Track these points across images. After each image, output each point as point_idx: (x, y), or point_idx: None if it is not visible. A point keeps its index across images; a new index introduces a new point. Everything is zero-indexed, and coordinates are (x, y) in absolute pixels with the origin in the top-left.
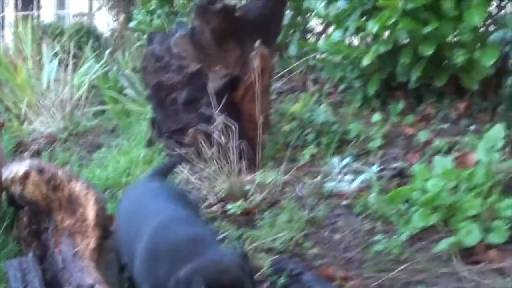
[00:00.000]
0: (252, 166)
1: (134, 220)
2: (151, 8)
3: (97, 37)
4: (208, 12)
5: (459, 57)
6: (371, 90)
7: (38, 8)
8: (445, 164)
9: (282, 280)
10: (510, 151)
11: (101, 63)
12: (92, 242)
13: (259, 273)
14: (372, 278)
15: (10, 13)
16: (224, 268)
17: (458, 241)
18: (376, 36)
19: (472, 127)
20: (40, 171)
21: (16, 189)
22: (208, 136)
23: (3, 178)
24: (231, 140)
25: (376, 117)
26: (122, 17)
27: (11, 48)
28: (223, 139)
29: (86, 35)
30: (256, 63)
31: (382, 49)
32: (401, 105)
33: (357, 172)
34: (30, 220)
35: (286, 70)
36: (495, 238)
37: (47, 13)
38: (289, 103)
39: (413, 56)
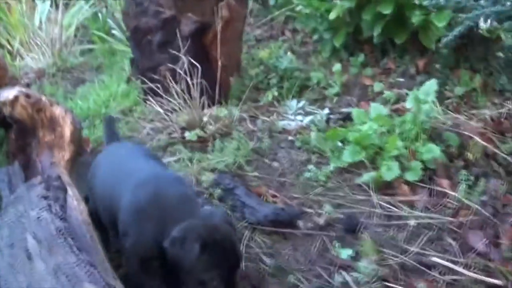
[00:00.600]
0: (213, 102)
1: (115, 176)
2: None
3: None
4: None
5: (416, 17)
6: (338, 42)
7: None
8: (380, 110)
9: (218, 191)
10: (440, 104)
11: (90, 4)
12: (67, 155)
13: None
14: (296, 198)
15: None
16: (215, 226)
17: (379, 175)
18: None
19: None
20: (27, 96)
21: (7, 110)
22: (176, 75)
23: None
24: (195, 78)
25: (337, 66)
26: None
27: None
28: (188, 78)
29: None
30: (223, 12)
31: (347, 4)
32: (361, 57)
33: (309, 114)
34: (17, 137)
35: (267, 19)
36: (410, 176)
37: None
38: (265, 49)
39: (375, 13)
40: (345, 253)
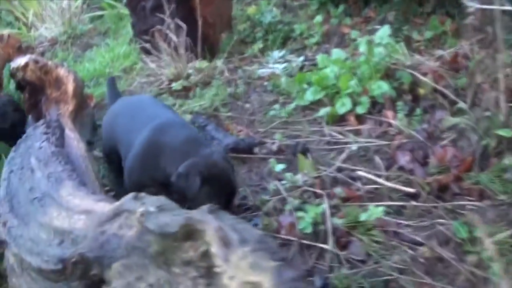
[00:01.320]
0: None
1: (134, 119)
2: None
3: None
4: None
5: None
6: None
7: None
8: (340, 55)
9: None
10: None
11: None
12: (70, 107)
13: None
14: (259, 132)
15: None
16: (214, 163)
17: (334, 110)
18: None
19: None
20: (36, 61)
21: (20, 74)
22: (166, 35)
23: (12, 67)
24: (181, 37)
25: (318, 18)
26: None
27: None
28: (174, 36)
29: None
30: None
31: None
32: (341, 8)
33: (287, 62)
34: (30, 95)
35: None
36: (360, 109)
37: None
38: (252, 6)
39: None
40: (279, 167)
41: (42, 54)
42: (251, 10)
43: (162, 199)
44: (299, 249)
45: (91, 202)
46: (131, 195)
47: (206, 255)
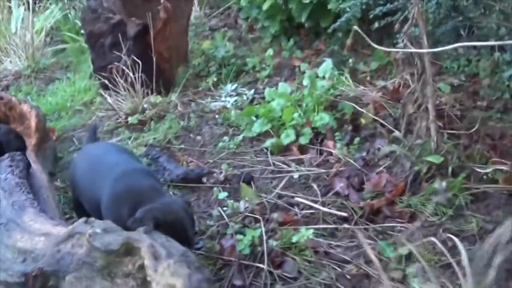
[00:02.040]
0: (152, 92)
1: (95, 172)
2: None
3: None
4: None
5: (332, 4)
6: (275, 29)
7: None
8: (285, 88)
9: (146, 160)
10: (352, 78)
11: (58, 7)
12: (33, 141)
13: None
14: (209, 162)
15: None
16: (171, 210)
17: (279, 141)
18: None
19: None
20: (1, 98)
21: None
22: (123, 71)
23: None
24: (137, 73)
25: (269, 51)
26: None
27: None
28: (130, 73)
29: None
30: (161, 14)
31: None
32: (291, 42)
33: (239, 95)
34: None
35: (222, 9)
36: (303, 140)
37: None
38: (206, 41)
39: (300, 1)
40: (222, 195)
41: (7, 87)
42: (205, 44)
43: (108, 223)
44: (238, 269)
45: (49, 226)
46: (82, 219)
47: (141, 267)
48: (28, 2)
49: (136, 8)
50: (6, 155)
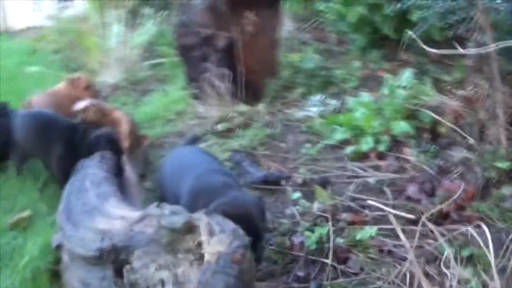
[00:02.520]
0: (242, 101)
1: (179, 171)
2: None
3: None
4: None
5: (414, 16)
6: (361, 42)
7: None
8: (367, 98)
9: (230, 164)
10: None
11: (154, 23)
12: (125, 145)
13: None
14: (290, 167)
15: None
16: (240, 204)
17: (358, 148)
18: None
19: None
20: (94, 105)
21: (81, 116)
22: (213, 81)
23: (74, 109)
24: (225, 83)
25: (356, 63)
26: None
27: (82, 16)
28: (218, 83)
29: None
30: (248, 28)
31: (361, 10)
32: (377, 53)
33: (325, 105)
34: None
35: (313, 23)
36: (381, 147)
37: None
38: (295, 53)
39: (383, 15)
40: (296, 196)
41: (105, 98)
42: (294, 57)
43: (176, 207)
44: (304, 263)
45: (127, 211)
46: (154, 204)
47: (200, 245)
48: (126, 19)
49: (225, 22)
50: (97, 153)
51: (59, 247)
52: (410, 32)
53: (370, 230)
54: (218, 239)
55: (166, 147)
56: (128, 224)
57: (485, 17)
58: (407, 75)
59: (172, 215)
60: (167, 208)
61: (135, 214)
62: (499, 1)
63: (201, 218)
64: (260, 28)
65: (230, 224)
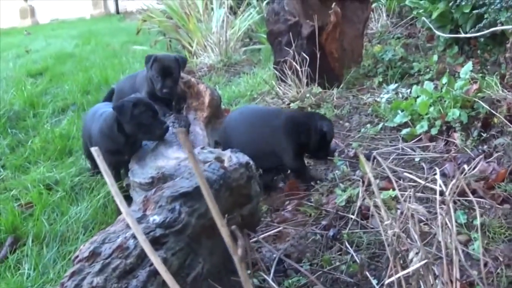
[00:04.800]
0: (319, 84)
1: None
2: None
3: None
4: None
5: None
6: (444, 38)
7: None
8: (430, 86)
9: None
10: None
11: (256, 10)
12: (205, 114)
13: None
14: (348, 143)
15: None
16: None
17: (413, 130)
18: None
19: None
20: (182, 77)
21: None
22: (294, 65)
23: None
24: (304, 67)
25: (434, 57)
26: None
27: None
28: (299, 67)
29: None
30: (332, 18)
31: (442, 6)
32: (456, 49)
33: (397, 93)
34: (176, 103)
35: (408, 19)
36: (433, 131)
37: None
38: (377, 45)
39: (463, 12)
40: (340, 162)
41: (201, 77)
42: (376, 48)
43: (214, 150)
44: (333, 218)
45: (182, 154)
46: (199, 147)
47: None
48: (230, 6)
49: (314, 11)
50: (172, 114)
51: (128, 185)
52: (423, 18)
53: (391, 192)
54: (228, 163)
55: None
56: (177, 162)
57: None
58: (467, 67)
59: (208, 153)
60: (207, 149)
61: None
62: None
63: (226, 153)
64: (347, 19)
65: (244, 158)
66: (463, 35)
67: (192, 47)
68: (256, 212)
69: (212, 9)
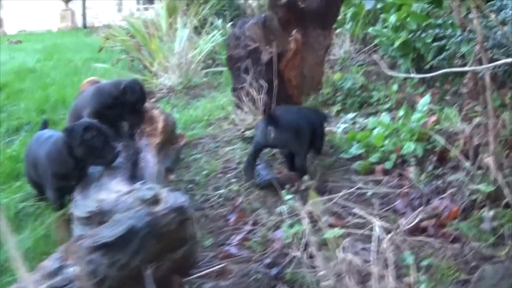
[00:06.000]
0: None
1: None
2: None
3: (238, 7)
4: (276, 5)
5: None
6: (406, 66)
7: None
8: (386, 118)
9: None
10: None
11: (220, 32)
12: (157, 140)
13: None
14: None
15: None
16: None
17: (367, 163)
18: (400, 25)
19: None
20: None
21: None
22: (252, 92)
23: None
24: (261, 94)
25: (394, 87)
26: None
27: (151, 20)
28: (255, 94)
29: (227, 4)
30: (291, 45)
31: (404, 35)
32: (416, 78)
33: (354, 123)
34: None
35: (368, 47)
36: (387, 164)
37: None
38: (337, 72)
39: (425, 42)
40: (288, 197)
41: (161, 98)
42: (336, 75)
43: (154, 185)
44: (278, 255)
45: (125, 187)
46: (139, 183)
47: None
48: (195, 27)
49: (275, 36)
50: (121, 143)
51: (70, 214)
52: (375, 56)
53: (337, 231)
54: (161, 206)
55: (199, 147)
56: (118, 195)
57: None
58: (425, 101)
59: (147, 190)
60: (147, 185)
61: (128, 188)
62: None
63: (163, 193)
64: (308, 46)
65: (181, 198)
66: (414, 75)
67: (153, 68)
68: (192, 254)
69: (176, 29)
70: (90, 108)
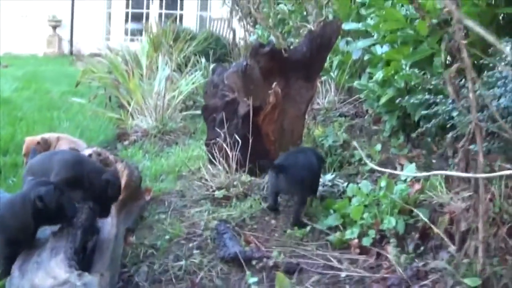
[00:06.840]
0: (249, 170)
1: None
2: (269, 25)
3: (224, 45)
4: (258, 53)
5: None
6: (391, 124)
7: (181, 8)
8: (367, 186)
9: (212, 234)
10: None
11: (201, 73)
12: (120, 197)
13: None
14: (271, 247)
15: (154, 10)
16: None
17: (342, 237)
18: (387, 81)
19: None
20: (99, 154)
21: None
22: (226, 146)
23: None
24: (234, 151)
25: (377, 147)
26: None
27: (134, 55)
28: (229, 150)
29: (214, 42)
30: (271, 99)
31: (391, 93)
32: (401, 139)
33: (333, 186)
34: None
35: (353, 98)
36: (365, 240)
37: (190, 13)
38: (319, 128)
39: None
40: (252, 280)
41: (134, 142)
42: (317, 131)
43: (91, 278)
44: None
45: (63, 272)
46: (76, 273)
47: None
48: (176, 66)
49: (256, 86)
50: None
51: None
52: (354, 143)
53: None
54: None
55: (166, 204)
56: (53, 284)
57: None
58: (409, 169)
59: (83, 286)
60: (85, 277)
61: (65, 276)
62: None
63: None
64: (289, 98)
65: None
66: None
67: (130, 106)
68: None
69: (157, 68)
70: (60, 176)
